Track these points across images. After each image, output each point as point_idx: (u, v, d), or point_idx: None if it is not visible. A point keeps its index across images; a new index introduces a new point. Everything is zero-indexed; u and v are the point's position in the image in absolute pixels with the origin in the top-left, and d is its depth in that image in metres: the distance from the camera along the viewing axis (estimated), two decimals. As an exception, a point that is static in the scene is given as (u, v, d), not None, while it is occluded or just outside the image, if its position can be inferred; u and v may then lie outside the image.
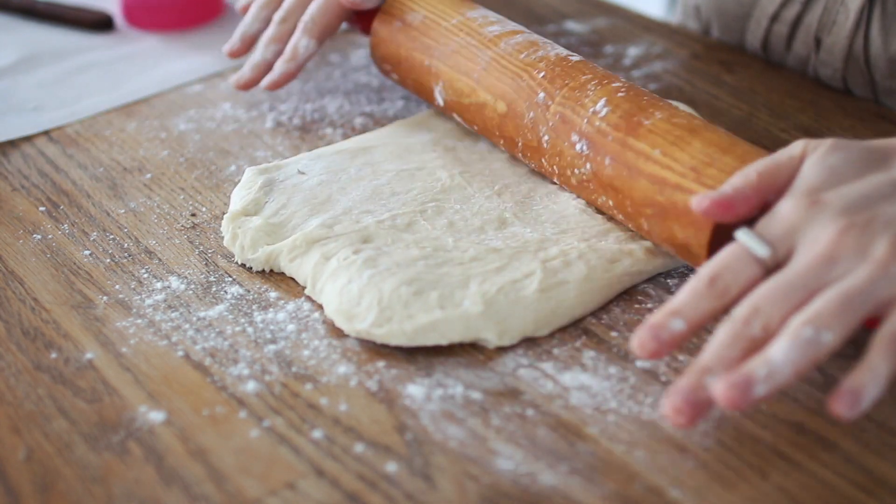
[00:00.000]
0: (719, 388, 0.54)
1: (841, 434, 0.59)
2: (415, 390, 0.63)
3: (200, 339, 0.67)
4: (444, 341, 0.64)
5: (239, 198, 0.76)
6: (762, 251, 0.58)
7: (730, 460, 0.58)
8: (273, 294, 0.70)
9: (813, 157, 0.61)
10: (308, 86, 0.93)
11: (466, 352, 0.65)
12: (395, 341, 0.64)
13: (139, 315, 0.69)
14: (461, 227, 0.72)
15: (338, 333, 0.67)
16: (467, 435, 0.60)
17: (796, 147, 0.62)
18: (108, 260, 0.74)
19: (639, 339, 0.57)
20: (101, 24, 1.03)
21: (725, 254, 0.59)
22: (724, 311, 0.58)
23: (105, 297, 0.70)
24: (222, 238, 0.75)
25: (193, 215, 0.78)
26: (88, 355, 0.66)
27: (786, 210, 0.59)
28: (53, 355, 0.66)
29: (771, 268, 0.58)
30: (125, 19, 1.04)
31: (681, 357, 0.64)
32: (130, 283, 0.71)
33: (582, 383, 0.62)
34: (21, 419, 0.62)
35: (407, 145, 0.81)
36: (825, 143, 0.62)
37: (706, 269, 0.59)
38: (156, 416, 0.62)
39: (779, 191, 0.61)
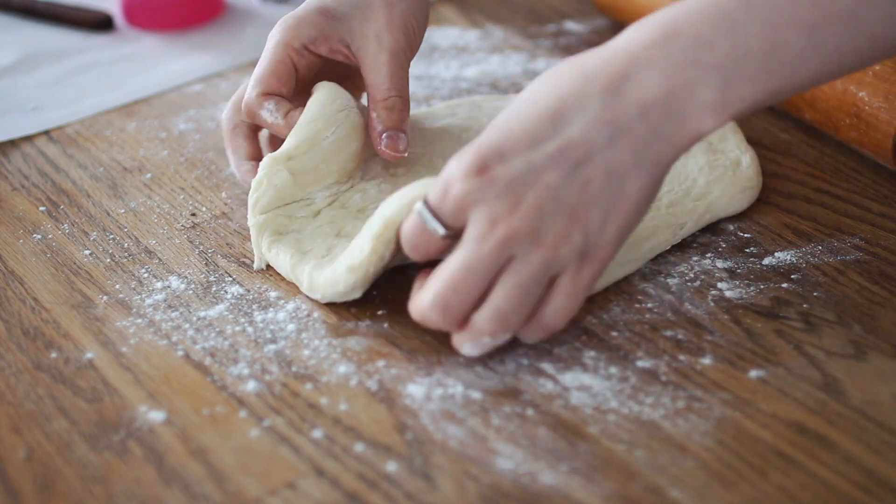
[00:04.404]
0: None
1: (841, 434, 0.59)
2: (415, 390, 0.63)
3: (200, 339, 0.67)
4: None
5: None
6: (439, 232, 0.61)
7: (730, 460, 0.58)
8: (273, 294, 0.70)
9: (504, 112, 0.61)
10: (308, 86, 0.93)
11: (466, 351, 0.65)
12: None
13: (139, 315, 0.69)
14: None
15: (338, 333, 0.67)
16: (467, 434, 0.60)
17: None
18: (109, 260, 0.74)
19: None
20: (101, 24, 1.03)
21: (411, 225, 0.62)
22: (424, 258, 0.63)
23: (105, 297, 0.70)
24: (222, 237, 0.75)
25: (193, 215, 0.78)
26: (88, 355, 0.66)
27: (457, 185, 0.60)
28: (53, 355, 0.66)
29: (457, 234, 0.61)
30: (125, 19, 1.04)
31: (681, 357, 0.64)
32: (130, 283, 0.71)
33: (582, 383, 0.63)
34: (21, 419, 0.62)
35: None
36: (523, 93, 0.62)
37: (403, 234, 0.62)
38: (156, 415, 0.62)
39: None
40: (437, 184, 0.61)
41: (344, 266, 0.66)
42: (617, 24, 0.99)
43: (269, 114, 0.73)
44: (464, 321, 0.61)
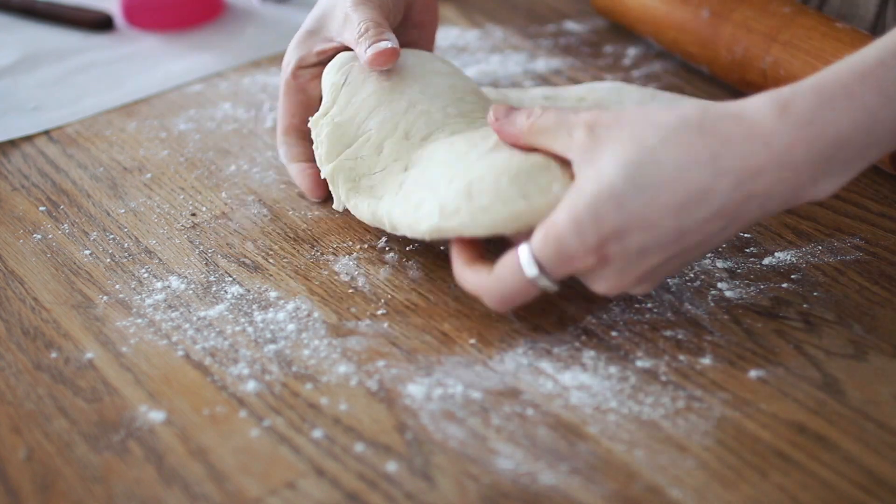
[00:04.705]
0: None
1: (841, 434, 0.59)
2: (415, 390, 0.63)
3: (200, 339, 0.67)
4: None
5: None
6: (551, 288, 0.62)
7: (730, 460, 0.58)
8: (273, 294, 0.70)
9: (612, 175, 0.60)
10: (308, 86, 0.93)
11: (466, 351, 0.65)
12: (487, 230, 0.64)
13: (139, 315, 0.69)
14: None
15: (338, 333, 0.67)
16: (467, 434, 0.60)
17: (579, 132, 0.62)
18: (109, 259, 0.74)
19: None
20: (101, 24, 1.03)
21: (512, 283, 0.62)
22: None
23: (105, 297, 0.70)
24: (222, 237, 0.75)
25: (193, 215, 0.78)
26: (88, 355, 0.66)
27: (571, 257, 0.60)
28: (54, 355, 0.66)
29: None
30: (125, 19, 1.04)
31: (681, 357, 0.64)
32: (130, 283, 0.71)
33: (582, 383, 0.63)
34: (21, 419, 0.62)
35: None
36: (623, 157, 0.60)
37: (498, 295, 0.63)
38: (156, 415, 0.62)
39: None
40: (547, 243, 0.61)
41: (432, 211, 0.66)
42: (617, 25, 0.99)
43: (289, 149, 0.80)
44: None
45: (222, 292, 0.70)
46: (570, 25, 1.02)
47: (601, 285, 0.62)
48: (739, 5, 0.86)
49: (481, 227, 0.64)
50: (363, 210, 0.71)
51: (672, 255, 0.61)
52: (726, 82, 0.88)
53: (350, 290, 0.70)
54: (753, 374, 0.63)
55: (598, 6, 0.99)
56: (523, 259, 0.61)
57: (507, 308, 0.64)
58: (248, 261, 0.73)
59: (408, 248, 0.73)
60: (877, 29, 0.87)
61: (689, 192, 0.59)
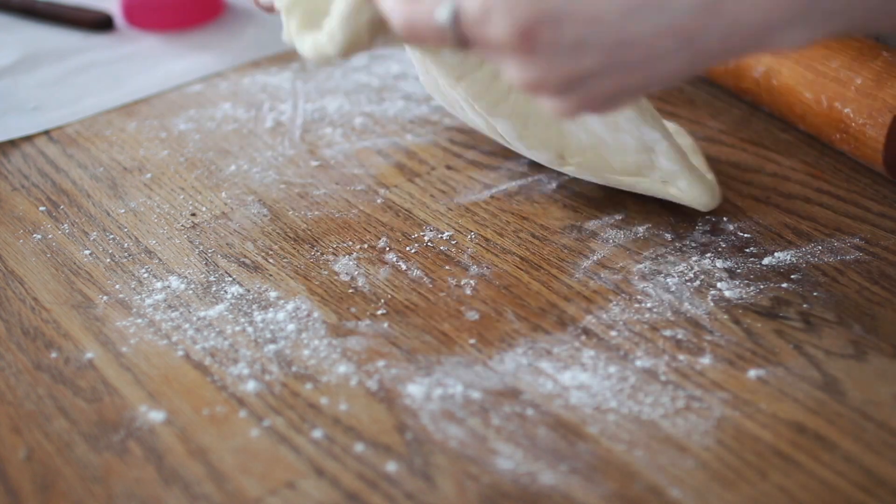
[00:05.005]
0: None
1: (841, 434, 0.59)
2: (415, 390, 0.63)
3: (200, 339, 0.67)
4: None
5: None
6: (454, 47, 0.56)
7: (730, 460, 0.58)
8: (273, 294, 0.70)
9: None
10: (308, 86, 0.94)
11: (466, 351, 0.65)
12: None
13: (139, 315, 0.69)
14: None
15: (338, 333, 0.67)
16: (467, 434, 0.60)
17: None
18: (108, 259, 0.74)
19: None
20: (101, 24, 1.03)
21: (422, 17, 0.56)
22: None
23: (105, 297, 0.70)
24: (222, 237, 0.75)
25: (193, 215, 0.78)
26: (88, 355, 0.66)
27: (498, 30, 0.53)
28: (53, 355, 0.66)
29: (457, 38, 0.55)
30: (125, 19, 1.04)
31: (681, 357, 0.64)
32: (130, 283, 0.71)
33: (582, 383, 0.63)
34: (21, 419, 0.62)
35: None
36: None
37: (402, 18, 0.56)
38: (156, 415, 0.62)
39: None
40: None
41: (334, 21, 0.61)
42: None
43: None
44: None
45: (222, 292, 0.70)
46: (570, 25, 1.01)
47: (519, 74, 0.54)
48: None
49: None
50: (300, 42, 0.66)
51: (608, 67, 0.53)
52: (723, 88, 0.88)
53: (350, 290, 0.70)
54: (753, 374, 0.63)
55: None
56: (440, 16, 0.54)
57: (411, 38, 0.57)
58: (247, 261, 0.73)
59: (408, 248, 0.73)
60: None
61: None
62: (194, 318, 0.68)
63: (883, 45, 0.78)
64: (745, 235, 0.73)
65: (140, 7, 1.03)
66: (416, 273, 0.71)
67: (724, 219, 0.74)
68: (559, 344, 0.65)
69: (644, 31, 0.52)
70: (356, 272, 0.72)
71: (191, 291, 0.71)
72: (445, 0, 0.54)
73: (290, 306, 0.69)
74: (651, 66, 0.53)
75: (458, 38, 0.55)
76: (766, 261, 0.71)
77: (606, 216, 0.75)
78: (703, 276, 0.70)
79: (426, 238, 0.74)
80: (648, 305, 0.68)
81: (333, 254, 0.73)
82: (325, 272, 0.72)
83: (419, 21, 0.56)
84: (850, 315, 0.66)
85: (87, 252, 0.74)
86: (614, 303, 0.68)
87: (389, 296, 0.70)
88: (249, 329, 0.67)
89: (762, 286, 0.69)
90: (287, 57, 0.98)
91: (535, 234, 0.74)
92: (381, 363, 0.65)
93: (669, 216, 0.75)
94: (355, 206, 0.78)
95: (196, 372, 0.64)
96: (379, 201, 0.78)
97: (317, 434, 0.60)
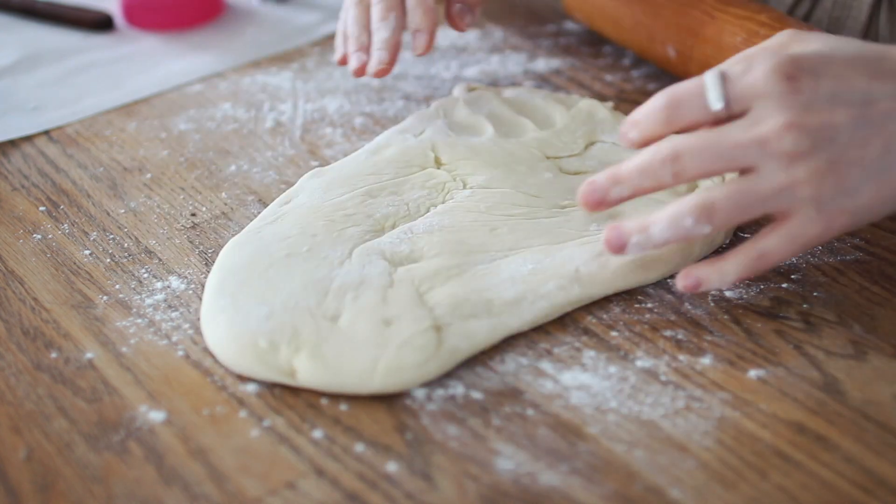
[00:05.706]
0: (605, 231, 0.63)
1: (841, 434, 0.59)
2: (415, 390, 0.62)
3: (200, 339, 0.67)
4: None
5: None
6: (716, 104, 0.60)
7: (730, 460, 0.58)
8: (273, 294, 0.70)
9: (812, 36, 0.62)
10: (308, 86, 0.94)
11: (466, 352, 0.65)
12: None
13: (139, 315, 0.69)
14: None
15: (338, 333, 0.67)
16: (467, 435, 0.60)
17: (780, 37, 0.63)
18: (108, 260, 0.74)
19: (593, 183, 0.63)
20: (101, 24, 1.03)
21: (689, 85, 0.61)
22: (665, 134, 0.62)
23: (105, 297, 0.70)
24: (222, 237, 0.75)
25: (193, 215, 0.78)
26: (88, 355, 0.66)
27: (761, 75, 0.59)
28: (53, 355, 0.66)
29: (721, 119, 0.60)
30: (125, 19, 1.04)
31: (681, 357, 0.64)
32: (130, 283, 0.71)
33: (582, 383, 0.63)
34: (21, 419, 0.62)
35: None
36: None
37: (669, 93, 0.61)
38: (156, 415, 0.62)
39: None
40: (737, 63, 0.61)
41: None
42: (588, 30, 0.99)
43: None
44: (659, 185, 0.61)
45: (222, 292, 0.70)
46: (570, 25, 1.02)
47: (780, 115, 0.58)
48: (699, 43, 0.85)
49: None
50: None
51: (858, 125, 0.58)
52: None
53: (350, 290, 0.70)
54: (753, 374, 0.63)
55: (568, 7, 1.00)
56: (709, 80, 0.60)
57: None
58: (248, 261, 0.73)
59: (408, 248, 0.73)
60: (870, 31, 0.87)
61: (891, 49, 0.60)
62: (194, 318, 0.68)
63: None
64: (745, 236, 0.73)
65: (140, 7, 1.03)
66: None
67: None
68: (559, 344, 0.65)
69: (886, 93, 0.58)
70: (356, 272, 0.72)
71: (191, 291, 0.71)
72: (711, 86, 0.60)
73: (290, 306, 0.69)
74: (860, 156, 0.59)
75: (727, 110, 0.60)
76: (766, 261, 0.71)
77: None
78: (703, 277, 0.70)
79: (426, 238, 0.74)
80: (649, 306, 0.68)
81: (333, 254, 0.73)
82: (325, 272, 0.72)
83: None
84: (850, 315, 0.66)
85: (87, 252, 0.74)
86: (615, 303, 0.68)
87: (389, 296, 0.69)
88: (249, 329, 0.67)
89: (762, 286, 0.69)
90: (287, 57, 0.98)
91: (535, 234, 0.74)
92: (381, 363, 0.64)
93: (669, 216, 0.75)
94: (355, 206, 0.78)
95: (196, 372, 0.64)
96: (379, 201, 0.78)
97: (317, 434, 0.60)
